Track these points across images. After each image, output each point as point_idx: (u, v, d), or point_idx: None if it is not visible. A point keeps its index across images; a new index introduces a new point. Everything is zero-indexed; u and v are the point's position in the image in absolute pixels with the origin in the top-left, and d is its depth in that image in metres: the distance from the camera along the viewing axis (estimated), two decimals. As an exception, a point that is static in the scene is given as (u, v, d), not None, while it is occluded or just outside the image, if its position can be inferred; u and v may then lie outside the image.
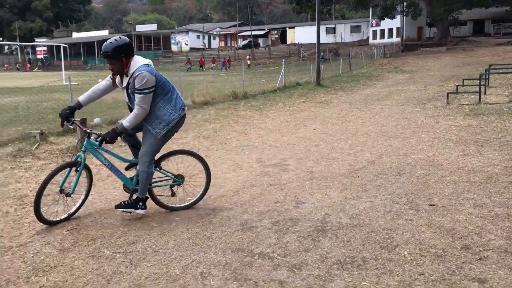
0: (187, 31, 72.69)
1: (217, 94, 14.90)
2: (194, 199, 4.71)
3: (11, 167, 6.42)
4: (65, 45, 39.83)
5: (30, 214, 4.39)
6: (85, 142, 4.20)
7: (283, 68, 19.43)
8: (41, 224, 4.23)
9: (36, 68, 64.36)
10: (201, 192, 4.77)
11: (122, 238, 3.91)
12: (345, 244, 3.65)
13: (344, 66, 29.67)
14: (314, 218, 4.27)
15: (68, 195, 4.20)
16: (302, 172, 5.93)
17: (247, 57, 50.32)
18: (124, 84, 4.15)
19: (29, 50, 79.54)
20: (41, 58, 72.04)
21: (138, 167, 4.34)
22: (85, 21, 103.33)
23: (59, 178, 4.18)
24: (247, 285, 3.04)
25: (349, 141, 7.82)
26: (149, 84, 4.01)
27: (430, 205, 4.49)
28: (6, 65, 67.30)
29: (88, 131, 4.24)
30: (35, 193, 4.01)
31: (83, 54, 71.70)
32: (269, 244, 3.69)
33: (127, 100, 4.28)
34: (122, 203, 4.33)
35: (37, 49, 75.89)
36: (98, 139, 4.15)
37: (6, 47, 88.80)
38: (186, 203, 4.68)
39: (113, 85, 4.29)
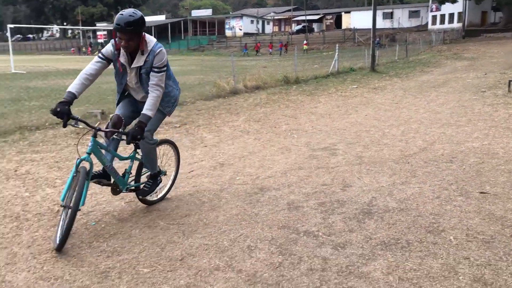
0: (241, 16, 72.96)
1: (269, 78, 14.99)
2: (165, 190, 4.50)
3: (74, 144, 6.85)
4: (124, 30, 41.00)
5: (92, 186, 4.70)
6: (91, 143, 3.55)
7: (336, 53, 19.21)
8: (102, 196, 4.55)
9: (97, 52, 66.91)
10: (170, 183, 4.57)
11: (176, 211, 4.14)
12: (391, 227, 3.69)
13: (400, 52, 28.85)
14: (361, 201, 4.32)
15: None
16: (351, 157, 5.95)
17: (304, 42, 49.63)
18: (140, 63, 3.69)
19: (91, 34, 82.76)
20: (102, 42, 74.83)
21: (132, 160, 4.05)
22: (143, 5, 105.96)
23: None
24: (291, 259, 3.17)
25: (401, 128, 7.72)
26: (166, 61, 3.77)
27: (481, 192, 4.42)
28: (72, 49, 70.63)
29: (103, 129, 3.64)
30: (66, 226, 3.33)
31: (140, 38, 73.71)
32: (315, 223, 3.80)
33: (134, 81, 3.80)
34: (145, 188, 4.11)
35: (98, 33, 78.79)
36: (122, 137, 3.69)
37: (70, 31, 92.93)
38: (160, 195, 4.44)
39: (107, 66, 3.77)
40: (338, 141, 6.86)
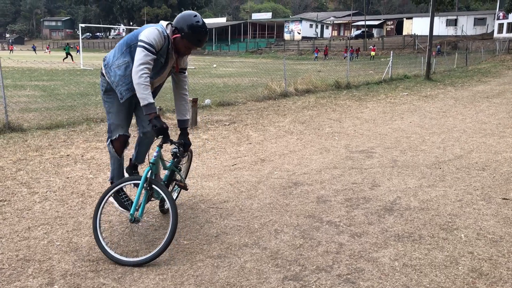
0: (300, 20, 73.29)
1: (320, 83, 15.35)
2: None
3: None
4: (186, 31, 42.47)
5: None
6: (157, 153, 3.52)
7: (390, 60, 19.21)
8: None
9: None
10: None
11: (216, 197, 4.69)
12: (408, 223, 4.04)
13: (460, 61, 28.20)
14: (386, 199, 4.67)
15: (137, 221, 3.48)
16: (386, 160, 6.26)
17: (371, 47, 48.69)
18: (185, 63, 3.76)
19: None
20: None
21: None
22: (206, 8, 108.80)
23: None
24: (311, 242, 3.61)
25: (442, 136, 7.89)
26: None
27: (504, 199, 4.64)
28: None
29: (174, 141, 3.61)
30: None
31: (201, 39, 75.84)
32: (338, 215, 4.21)
33: (165, 77, 3.73)
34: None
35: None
36: (179, 149, 3.72)
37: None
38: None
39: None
40: (376, 145, 7.17)
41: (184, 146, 3.72)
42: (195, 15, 3.40)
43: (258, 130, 8.31)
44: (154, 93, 3.80)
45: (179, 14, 3.48)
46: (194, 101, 8.59)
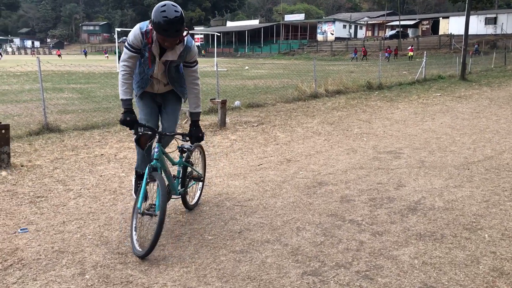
0: (333, 21, 72.76)
1: (351, 83, 15.27)
2: (198, 194, 4.58)
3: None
4: (218, 34, 43.16)
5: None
6: (157, 149, 3.57)
7: (424, 60, 18.90)
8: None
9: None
10: (200, 185, 4.61)
11: (241, 195, 4.81)
12: (431, 222, 4.04)
13: (499, 60, 27.38)
14: (410, 199, 4.67)
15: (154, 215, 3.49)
16: (413, 161, 6.23)
17: (409, 47, 47.98)
18: (174, 57, 3.54)
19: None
20: (198, 45, 78.68)
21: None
22: (239, 10, 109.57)
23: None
24: (332, 240, 3.68)
25: (473, 137, 7.76)
26: None
27: (532, 200, 4.56)
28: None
29: (168, 133, 3.78)
30: (155, 234, 3.35)
31: (234, 42, 76.59)
32: (361, 214, 4.25)
33: (161, 71, 3.66)
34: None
35: (195, 36, 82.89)
36: (187, 140, 3.74)
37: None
38: (196, 200, 4.52)
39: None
40: (405, 146, 7.13)
41: (190, 138, 3.73)
42: (163, 5, 3.22)
43: (285, 131, 8.39)
44: (171, 88, 3.90)
45: None
46: (223, 102, 8.77)
